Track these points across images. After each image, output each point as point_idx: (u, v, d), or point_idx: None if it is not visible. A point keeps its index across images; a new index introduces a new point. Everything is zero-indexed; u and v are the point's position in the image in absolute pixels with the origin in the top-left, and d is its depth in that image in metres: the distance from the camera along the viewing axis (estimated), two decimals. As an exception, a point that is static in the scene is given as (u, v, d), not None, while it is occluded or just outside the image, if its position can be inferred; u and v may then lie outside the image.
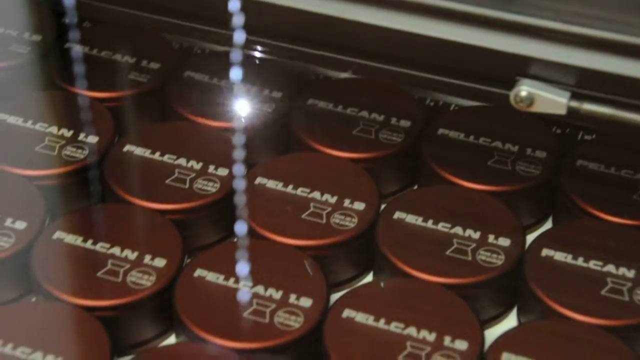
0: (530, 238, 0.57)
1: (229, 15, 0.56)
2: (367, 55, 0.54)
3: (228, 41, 0.58)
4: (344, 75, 0.67)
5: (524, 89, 0.50)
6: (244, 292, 0.52)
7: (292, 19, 0.54)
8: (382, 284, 0.54)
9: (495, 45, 0.50)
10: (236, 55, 0.67)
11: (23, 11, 0.69)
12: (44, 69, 0.66)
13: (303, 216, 0.57)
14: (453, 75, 0.53)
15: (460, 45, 0.50)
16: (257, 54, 0.65)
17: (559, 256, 0.55)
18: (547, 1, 0.49)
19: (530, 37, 0.50)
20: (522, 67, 0.50)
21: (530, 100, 0.50)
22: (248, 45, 0.59)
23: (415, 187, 0.63)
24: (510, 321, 0.56)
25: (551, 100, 0.50)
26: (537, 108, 0.50)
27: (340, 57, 0.54)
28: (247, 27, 0.57)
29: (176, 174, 0.59)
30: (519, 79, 0.51)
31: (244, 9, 0.55)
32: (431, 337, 0.51)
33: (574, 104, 0.50)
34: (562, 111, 0.50)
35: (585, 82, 0.50)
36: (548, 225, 0.61)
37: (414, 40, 0.51)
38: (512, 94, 0.51)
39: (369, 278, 0.58)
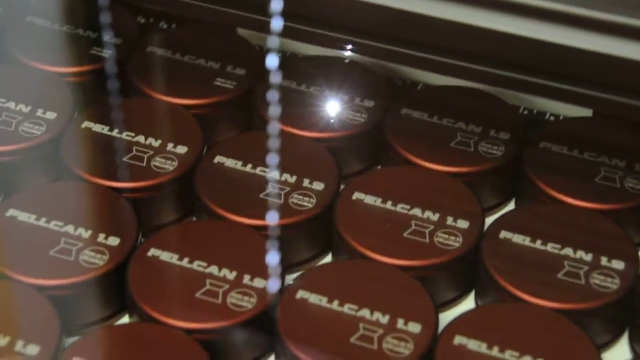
0: None
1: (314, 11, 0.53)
2: (503, 66, 0.51)
3: (314, 39, 0.55)
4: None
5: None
6: (348, 315, 0.50)
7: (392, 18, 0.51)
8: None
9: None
10: (326, 60, 0.65)
11: (103, 13, 0.66)
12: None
13: (405, 235, 0.54)
14: (600, 88, 0.49)
15: (611, 57, 0.47)
16: (348, 54, 0.62)
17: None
18: None
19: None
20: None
21: None
22: (336, 43, 0.56)
23: (513, 200, 0.61)
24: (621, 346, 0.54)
25: None
26: None
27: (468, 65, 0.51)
28: (337, 25, 0.54)
29: (270, 188, 0.57)
30: None
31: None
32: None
33: None
34: None
35: None
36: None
37: (558, 51, 0.48)
38: None
39: (470, 299, 0.56)
